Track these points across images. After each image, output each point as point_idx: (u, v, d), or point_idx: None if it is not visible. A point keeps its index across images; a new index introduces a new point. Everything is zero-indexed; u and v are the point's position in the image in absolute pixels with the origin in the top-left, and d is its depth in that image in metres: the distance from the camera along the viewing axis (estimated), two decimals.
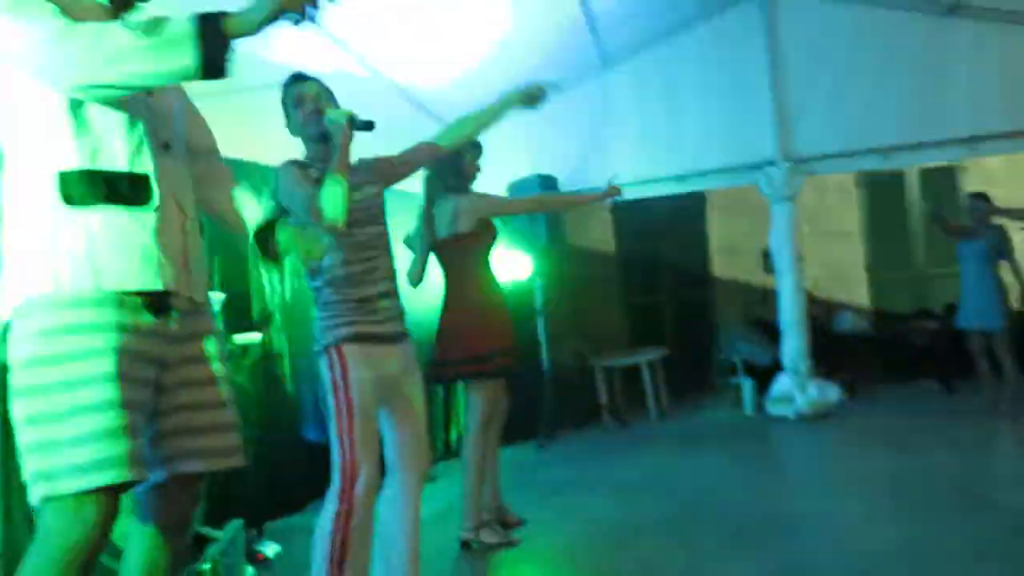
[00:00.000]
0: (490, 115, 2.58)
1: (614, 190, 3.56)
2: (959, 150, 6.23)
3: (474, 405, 3.42)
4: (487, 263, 3.48)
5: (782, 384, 6.37)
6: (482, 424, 3.41)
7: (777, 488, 4.23)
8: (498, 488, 3.60)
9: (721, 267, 9.47)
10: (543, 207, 3.84)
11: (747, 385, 6.99)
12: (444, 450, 5.67)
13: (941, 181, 8.75)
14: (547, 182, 6.31)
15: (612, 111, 6.76)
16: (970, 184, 8.35)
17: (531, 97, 2.60)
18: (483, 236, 3.42)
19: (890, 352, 8.44)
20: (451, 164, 3.36)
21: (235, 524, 3.01)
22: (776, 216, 6.49)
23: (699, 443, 5.75)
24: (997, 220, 5.76)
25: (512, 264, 6.32)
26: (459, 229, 3.34)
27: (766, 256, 7.17)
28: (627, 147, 6.66)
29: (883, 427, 5.83)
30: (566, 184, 6.62)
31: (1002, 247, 5.72)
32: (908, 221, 8.97)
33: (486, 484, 3.47)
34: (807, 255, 6.70)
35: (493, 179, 6.24)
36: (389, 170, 2.55)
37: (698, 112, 6.57)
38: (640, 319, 9.63)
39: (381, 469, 2.41)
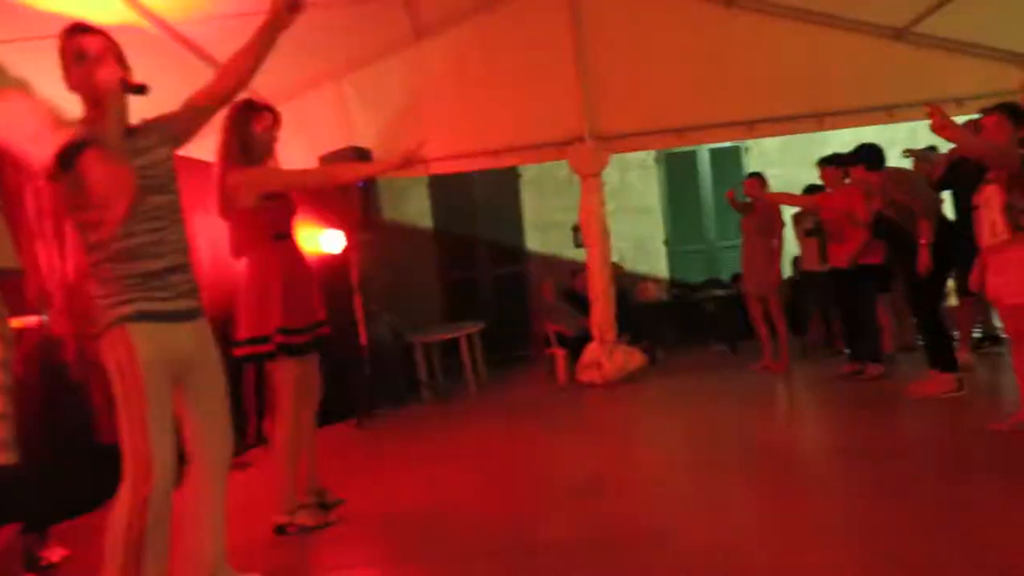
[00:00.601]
0: (259, 36, 2.38)
1: (413, 155, 3.15)
2: (740, 131, 6.84)
3: (282, 384, 3.27)
4: (287, 237, 3.32)
5: (591, 352, 6.70)
6: (292, 404, 3.27)
7: (587, 451, 4.45)
8: (314, 470, 3.48)
9: (535, 242, 9.76)
10: (332, 178, 3.59)
11: (560, 355, 7.28)
12: (257, 436, 5.41)
13: (727, 160, 9.57)
14: (361, 155, 6.15)
15: (428, 85, 6.71)
16: (752, 164, 9.21)
17: (291, 4, 2.37)
18: (271, 210, 3.23)
19: (686, 319, 9.18)
20: (240, 136, 3.15)
21: None
22: (585, 192, 6.78)
23: (515, 413, 5.92)
24: (769, 199, 6.41)
25: (325, 239, 6.12)
26: (241, 204, 3.13)
27: (576, 231, 7.47)
28: (443, 122, 6.65)
29: (680, 388, 6.33)
30: (382, 158, 6.50)
31: (772, 223, 6.37)
32: (700, 197, 9.73)
33: (302, 466, 3.35)
34: (613, 230, 7.07)
35: (305, 152, 6.01)
36: (178, 124, 2.35)
37: (512, 89, 6.68)
38: (457, 294, 9.73)
39: (180, 457, 2.25)
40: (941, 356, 4.63)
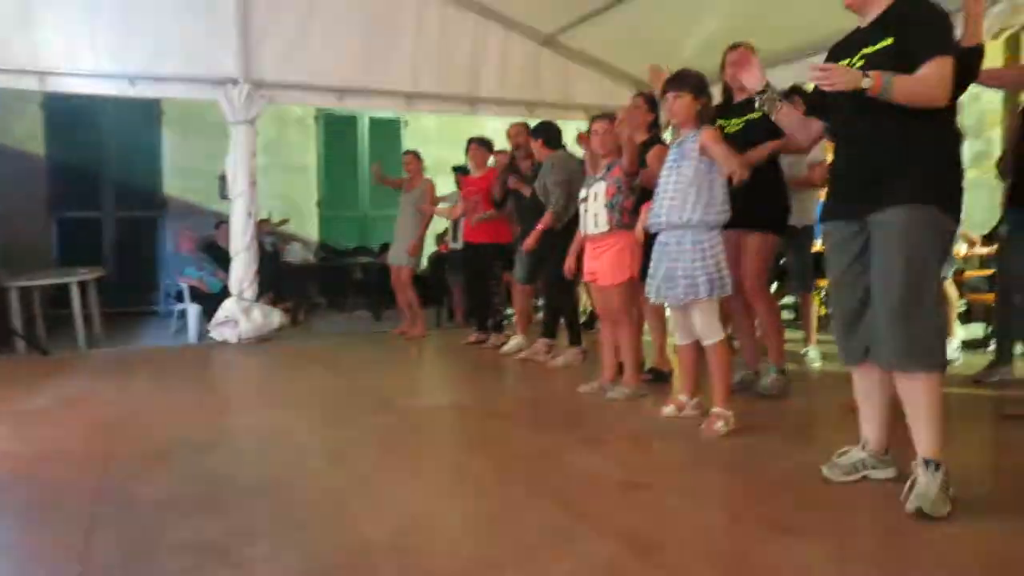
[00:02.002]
0: None
1: None
2: (400, 102, 6.99)
3: None
4: None
5: (226, 309, 6.33)
6: None
7: (205, 409, 4.19)
8: None
9: (175, 187, 8.93)
10: None
11: (193, 311, 6.77)
12: None
13: (386, 132, 9.73)
14: None
15: None
16: (409, 139, 9.48)
17: None
18: None
19: (332, 283, 9.16)
20: None
21: None
22: (235, 138, 6.36)
23: (131, 370, 5.35)
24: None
25: None
26: None
27: (223, 180, 6.99)
28: (61, 28, 5.72)
29: (319, 350, 6.29)
30: None
31: (424, 198, 6.63)
32: (358, 164, 9.76)
33: None
34: (264, 186, 6.75)
35: None
36: None
37: (160, 7, 5.97)
38: (73, 235, 8.50)
39: None
40: (569, 330, 5.25)
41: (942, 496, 2.22)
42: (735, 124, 3.81)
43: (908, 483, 2.27)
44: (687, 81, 3.35)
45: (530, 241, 5.11)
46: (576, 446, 3.19)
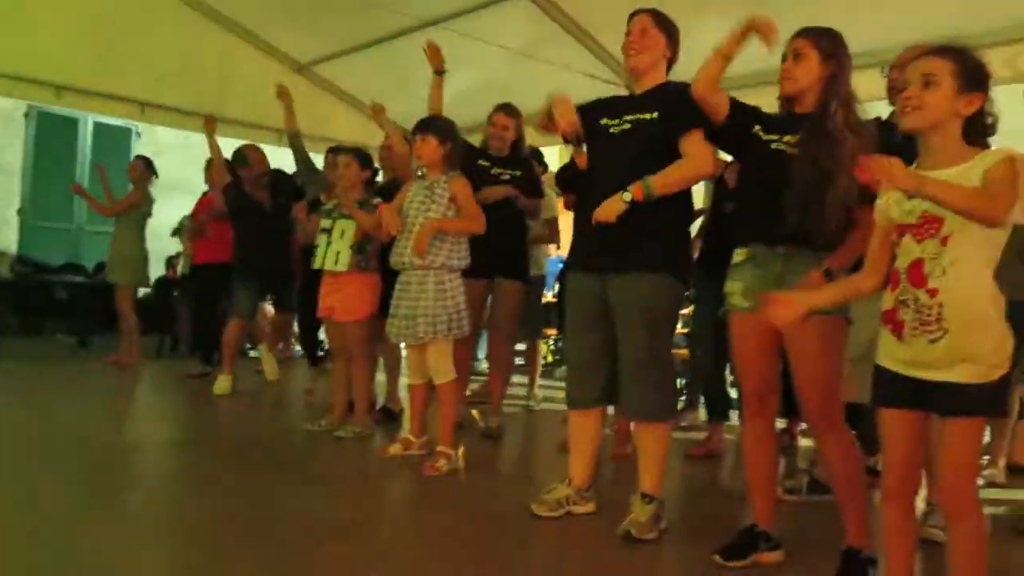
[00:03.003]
0: None
1: None
2: (132, 109, 6.40)
3: None
4: None
5: None
6: None
7: None
8: None
9: None
10: None
11: None
12: None
13: (115, 139, 8.83)
14: None
15: None
16: (142, 151, 8.67)
17: None
18: None
19: (31, 303, 8.00)
20: None
21: None
22: None
23: None
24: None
25: None
26: None
27: None
28: None
29: (6, 380, 5.45)
30: None
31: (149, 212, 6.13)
32: (77, 172, 8.71)
33: None
34: None
35: None
36: None
37: None
38: None
39: None
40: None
41: (650, 524, 2.50)
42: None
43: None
44: (433, 125, 3.46)
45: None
46: (297, 486, 3.07)
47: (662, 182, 2.50)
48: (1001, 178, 1.63)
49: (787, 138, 2.27)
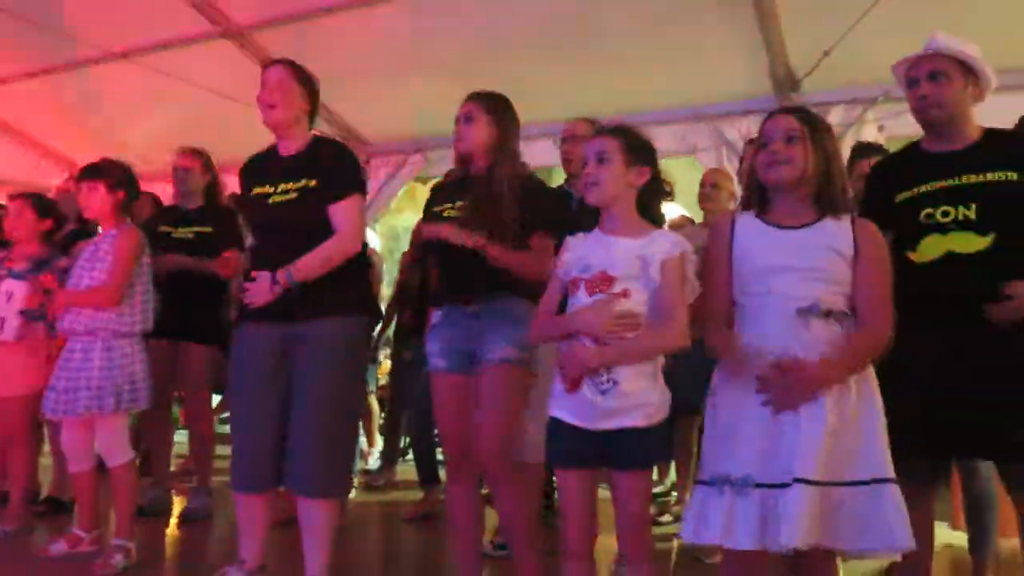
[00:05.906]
0: None
1: None
2: None
3: None
4: None
5: None
6: None
7: None
8: None
9: None
10: None
11: None
12: None
13: None
14: None
15: None
16: None
17: None
18: None
19: None
20: None
21: None
22: None
23: None
24: None
25: None
26: None
27: None
28: None
29: None
30: None
31: None
32: None
33: None
34: None
35: None
36: None
37: None
38: None
39: None
40: None
41: None
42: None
43: None
44: (102, 170, 3.02)
45: None
46: None
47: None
48: (672, 284, 1.78)
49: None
